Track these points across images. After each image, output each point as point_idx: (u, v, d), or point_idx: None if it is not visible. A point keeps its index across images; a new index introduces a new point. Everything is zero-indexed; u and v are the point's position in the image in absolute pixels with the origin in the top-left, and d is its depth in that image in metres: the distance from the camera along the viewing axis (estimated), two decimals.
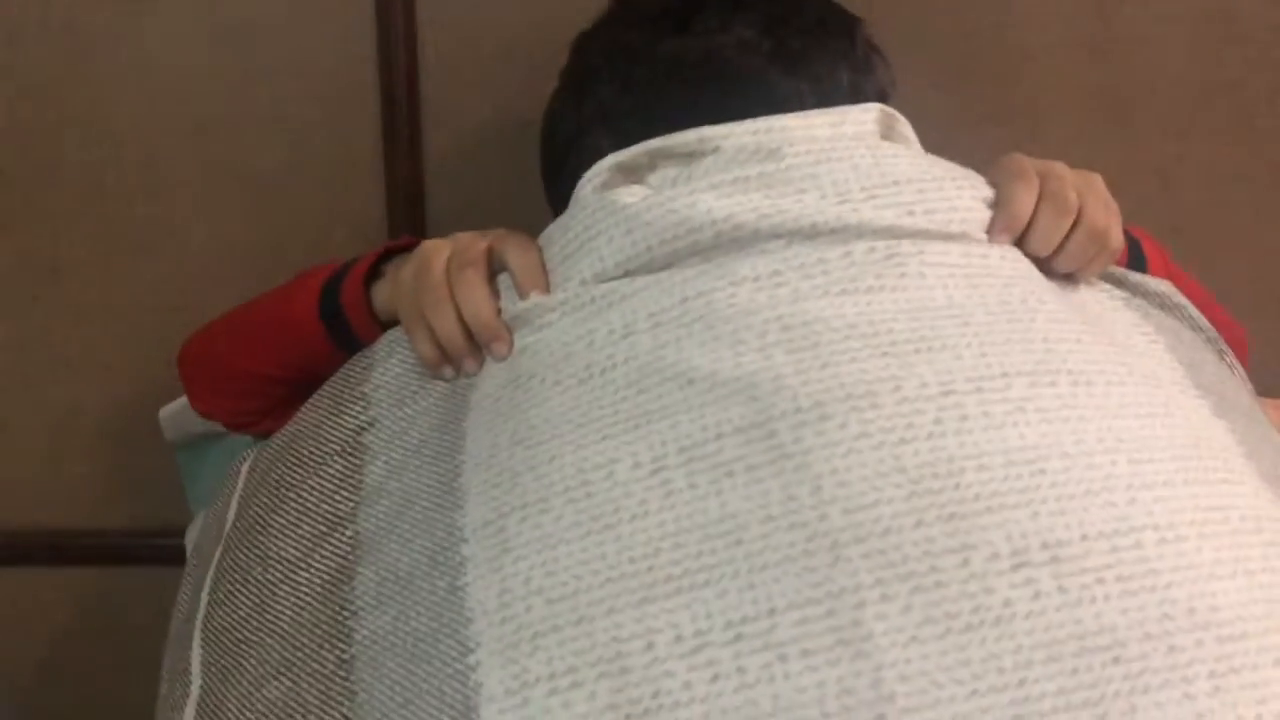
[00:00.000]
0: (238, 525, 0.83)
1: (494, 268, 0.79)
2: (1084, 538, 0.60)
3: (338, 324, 0.87)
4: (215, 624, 0.78)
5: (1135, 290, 0.80)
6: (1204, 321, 0.82)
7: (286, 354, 0.91)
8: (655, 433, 0.66)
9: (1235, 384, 0.79)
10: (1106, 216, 0.77)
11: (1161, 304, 0.80)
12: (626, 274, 0.73)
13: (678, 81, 0.81)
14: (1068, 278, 0.77)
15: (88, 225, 1.11)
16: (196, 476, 1.11)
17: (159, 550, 1.15)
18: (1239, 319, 1.11)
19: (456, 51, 1.06)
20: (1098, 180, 0.80)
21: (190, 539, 0.97)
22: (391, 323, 0.85)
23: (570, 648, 0.61)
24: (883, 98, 0.90)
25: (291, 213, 1.11)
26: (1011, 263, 0.73)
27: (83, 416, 1.16)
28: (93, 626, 1.21)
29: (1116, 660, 0.58)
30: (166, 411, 1.10)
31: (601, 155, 0.81)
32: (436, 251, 0.80)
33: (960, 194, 0.74)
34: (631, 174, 0.77)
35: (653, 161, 0.77)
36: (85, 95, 1.08)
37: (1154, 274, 0.85)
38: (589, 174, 0.78)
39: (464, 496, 0.69)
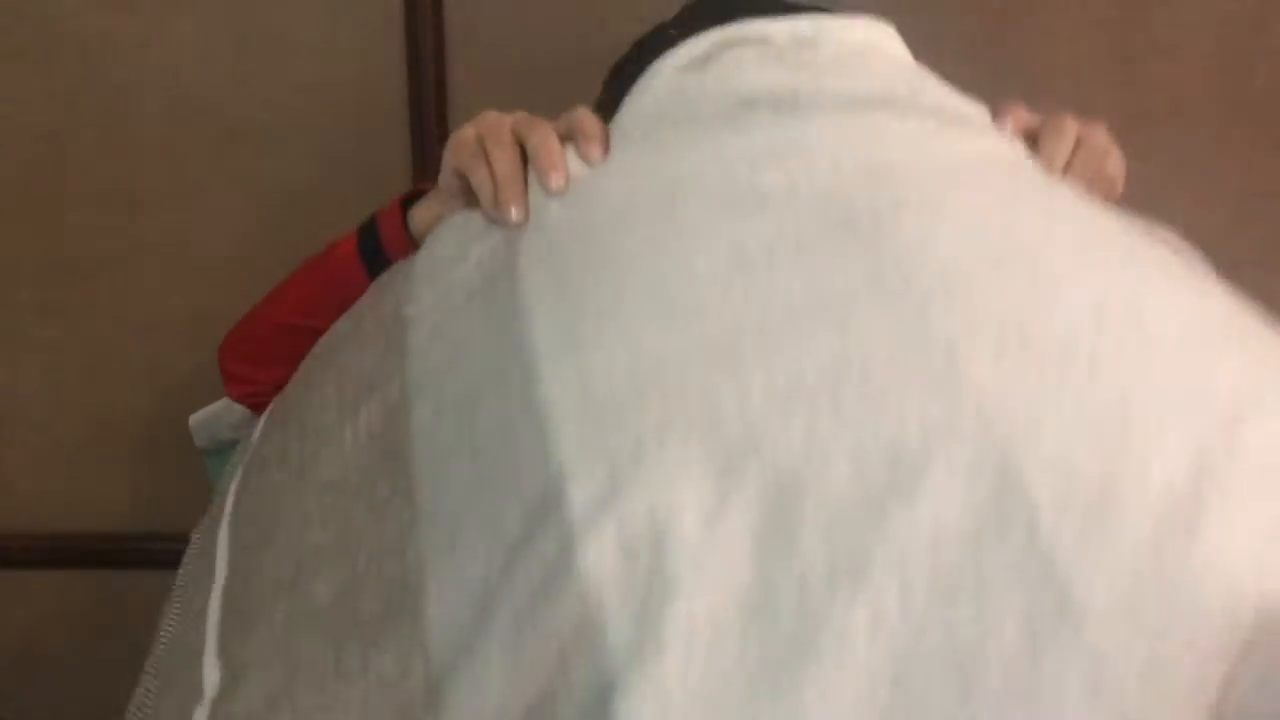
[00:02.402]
0: (270, 418, 0.78)
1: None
2: None
3: (378, 261, 0.86)
4: (243, 510, 0.72)
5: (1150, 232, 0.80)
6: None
7: (330, 301, 0.87)
8: (733, 232, 0.64)
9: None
10: (1107, 141, 0.80)
11: (1174, 250, 0.80)
12: (691, 137, 0.73)
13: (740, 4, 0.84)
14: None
15: (119, 232, 1.13)
16: None
17: None
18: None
19: (485, 66, 1.07)
20: (1100, 125, 0.81)
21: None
22: None
23: (657, 409, 0.57)
24: None
25: (320, 223, 1.10)
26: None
27: (115, 421, 1.17)
28: (124, 629, 1.22)
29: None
30: (197, 418, 1.10)
31: None
32: (500, 113, 0.80)
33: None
34: (689, 70, 0.79)
35: (709, 52, 0.78)
36: (117, 104, 1.10)
37: None
38: (661, 63, 0.79)
39: (530, 314, 0.64)
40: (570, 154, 0.75)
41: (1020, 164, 0.74)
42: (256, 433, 0.81)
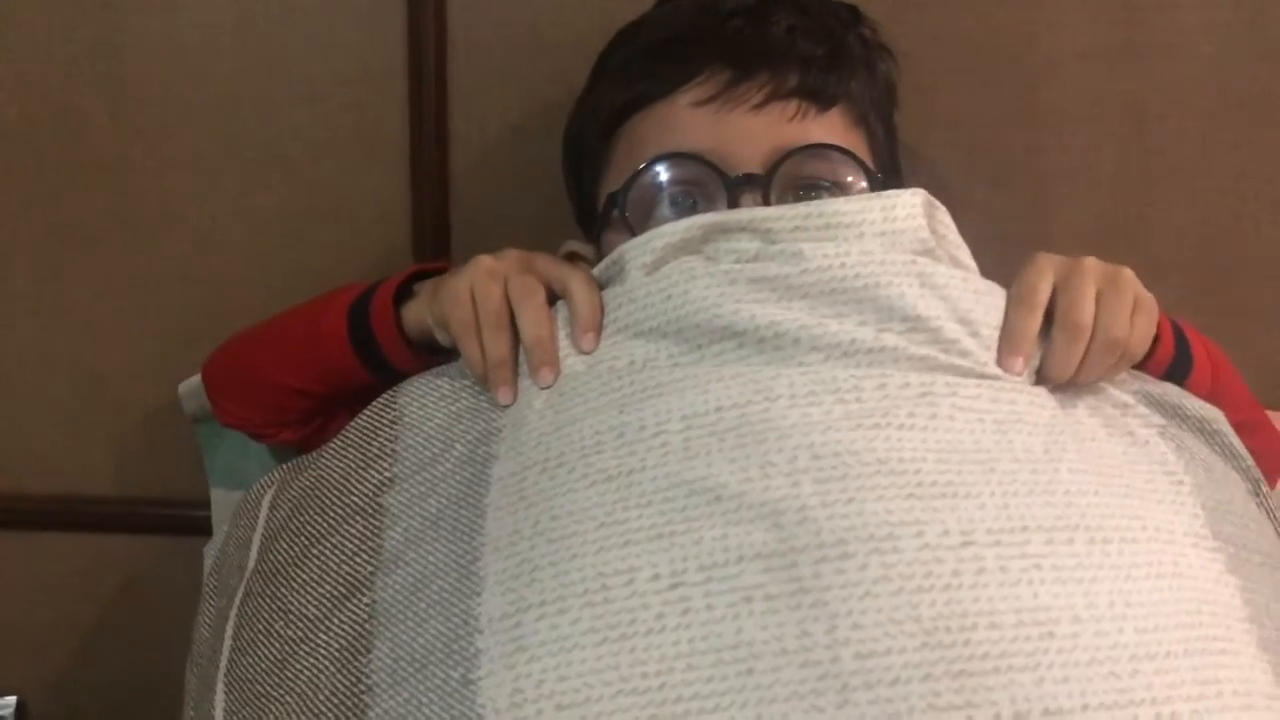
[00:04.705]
0: (261, 569, 0.83)
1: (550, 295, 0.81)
2: (1085, 708, 0.61)
3: (365, 343, 0.88)
4: (238, 673, 0.78)
5: (1173, 415, 0.79)
6: (1243, 451, 0.81)
7: (314, 369, 0.92)
8: (678, 546, 0.66)
9: (1260, 526, 0.77)
10: (1125, 326, 0.77)
11: (1200, 429, 0.79)
12: (675, 365, 0.74)
13: (679, 24, 0.88)
14: (1098, 399, 0.77)
15: (115, 197, 1.12)
16: (215, 450, 1.12)
17: (178, 519, 1.17)
18: (1264, 331, 1.11)
19: (485, 36, 1.07)
20: (1125, 276, 0.79)
21: (209, 554, 0.96)
22: (421, 342, 0.87)
23: None
24: (890, 88, 0.94)
25: (317, 191, 1.11)
26: (1038, 408, 0.74)
27: (106, 385, 1.17)
28: (111, 593, 1.22)
29: None
30: (186, 386, 1.10)
31: (613, 107, 0.88)
32: (494, 268, 0.81)
33: (995, 335, 0.75)
34: (683, 249, 0.78)
35: (706, 236, 0.78)
36: (116, 69, 1.09)
37: (1198, 379, 0.85)
38: (635, 250, 0.79)
39: (482, 583, 0.69)
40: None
41: (1000, 441, 0.71)
42: (253, 553, 0.85)
